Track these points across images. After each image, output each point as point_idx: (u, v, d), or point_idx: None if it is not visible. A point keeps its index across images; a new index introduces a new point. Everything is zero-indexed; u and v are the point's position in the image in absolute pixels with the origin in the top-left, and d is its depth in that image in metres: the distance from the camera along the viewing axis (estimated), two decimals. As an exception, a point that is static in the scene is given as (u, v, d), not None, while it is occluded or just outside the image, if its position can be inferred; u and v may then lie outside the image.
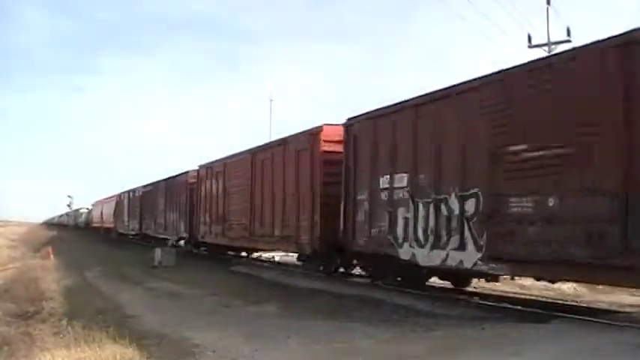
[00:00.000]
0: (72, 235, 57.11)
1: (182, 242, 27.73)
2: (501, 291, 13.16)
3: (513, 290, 13.25)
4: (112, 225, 46.69)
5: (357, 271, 14.97)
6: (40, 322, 11.15)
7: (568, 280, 10.65)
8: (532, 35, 24.68)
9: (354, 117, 13.62)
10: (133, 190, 39.02)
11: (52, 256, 25.59)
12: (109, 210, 48.64)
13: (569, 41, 23.57)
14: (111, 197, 48.79)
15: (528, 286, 13.41)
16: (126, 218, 41.12)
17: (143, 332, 9.38)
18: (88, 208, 70.57)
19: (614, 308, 10.72)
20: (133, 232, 38.68)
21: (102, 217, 52.76)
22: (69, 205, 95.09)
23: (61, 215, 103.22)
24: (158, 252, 22.30)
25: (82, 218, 72.35)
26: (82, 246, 37.68)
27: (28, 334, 9.98)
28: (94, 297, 14.02)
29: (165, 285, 15.84)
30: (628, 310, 10.43)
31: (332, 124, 14.64)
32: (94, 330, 9.06)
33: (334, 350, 7.59)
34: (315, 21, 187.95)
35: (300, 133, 15.91)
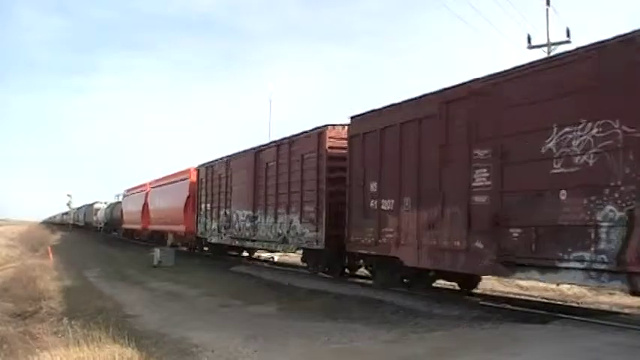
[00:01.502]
0: (73, 235, 56.61)
1: None
2: (501, 292, 13.16)
3: (513, 291, 13.24)
4: (177, 226, 26.65)
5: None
6: (38, 321, 11.14)
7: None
8: (532, 36, 24.62)
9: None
10: (279, 143, 16.82)
11: (51, 255, 25.56)
12: (165, 200, 29.15)
13: (568, 42, 23.56)
14: (170, 177, 29.53)
15: (528, 287, 13.40)
16: (242, 212, 19.20)
17: (142, 332, 9.39)
18: (105, 202, 54.28)
19: (614, 309, 10.71)
20: (290, 247, 16.47)
21: (145, 214, 33.75)
22: (68, 204, 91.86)
23: (65, 213, 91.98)
24: (157, 252, 22.32)
25: (100, 216, 54.06)
26: (81, 246, 37.65)
27: (28, 333, 9.96)
28: (94, 296, 14.00)
29: (165, 285, 15.83)
30: (628, 311, 10.41)
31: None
32: (94, 329, 9.03)
33: (334, 351, 7.58)
34: (315, 22, 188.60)
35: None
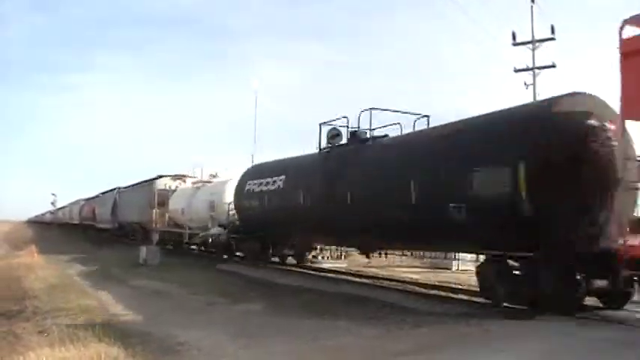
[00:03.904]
0: (56, 233, 55.94)
1: None
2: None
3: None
4: None
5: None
6: (23, 320, 11.01)
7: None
8: (516, 34, 24.77)
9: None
10: None
11: (36, 254, 25.36)
12: None
13: (553, 39, 23.77)
14: None
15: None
16: None
17: (128, 331, 9.32)
18: (190, 179, 28.76)
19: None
20: None
21: None
22: (53, 203, 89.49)
23: (56, 209, 77.90)
24: (143, 250, 22.20)
25: (174, 205, 27.02)
26: (66, 244, 37.34)
27: (12, 333, 9.86)
28: (79, 295, 13.90)
29: (151, 283, 15.76)
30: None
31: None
32: (79, 329, 8.99)
33: (320, 348, 7.59)
34: (296, 19, 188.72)
35: None
